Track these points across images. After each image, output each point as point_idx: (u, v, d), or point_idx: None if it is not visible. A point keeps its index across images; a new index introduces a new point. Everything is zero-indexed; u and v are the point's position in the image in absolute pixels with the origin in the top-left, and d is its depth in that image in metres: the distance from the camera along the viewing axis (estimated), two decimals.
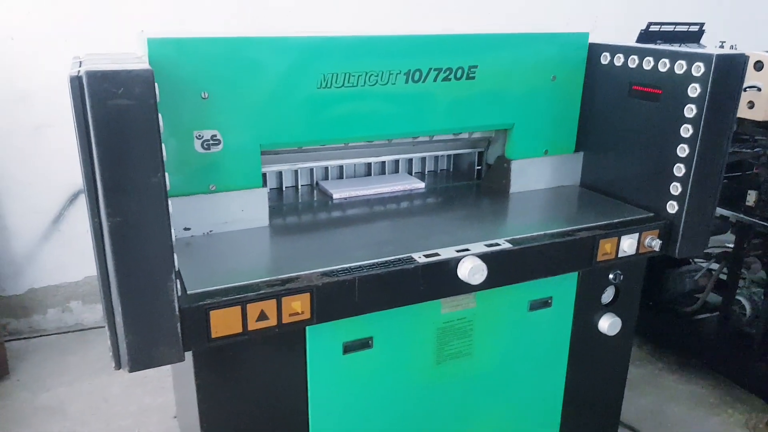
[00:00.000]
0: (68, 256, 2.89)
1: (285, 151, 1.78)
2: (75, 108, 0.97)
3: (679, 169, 1.62)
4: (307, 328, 1.36)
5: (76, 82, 0.96)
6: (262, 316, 1.23)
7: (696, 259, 2.94)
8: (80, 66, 1.07)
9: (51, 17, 2.63)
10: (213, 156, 1.48)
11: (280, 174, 1.91)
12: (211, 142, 1.47)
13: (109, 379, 2.58)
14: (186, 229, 1.49)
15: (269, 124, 1.51)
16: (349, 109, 1.60)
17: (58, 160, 2.73)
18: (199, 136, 1.45)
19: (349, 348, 1.43)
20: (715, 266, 2.76)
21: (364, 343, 1.45)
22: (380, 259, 1.37)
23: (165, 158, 1.07)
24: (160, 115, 1.04)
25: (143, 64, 1.04)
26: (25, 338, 2.86)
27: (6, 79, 2.62)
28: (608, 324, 1.76)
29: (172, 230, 1.11)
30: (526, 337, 1.69)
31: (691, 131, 1.58)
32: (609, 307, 1.79)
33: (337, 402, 1.47)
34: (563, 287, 1.70)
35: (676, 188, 1.64)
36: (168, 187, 1.09)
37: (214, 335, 1.19)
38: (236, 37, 1.43)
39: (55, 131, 2.72)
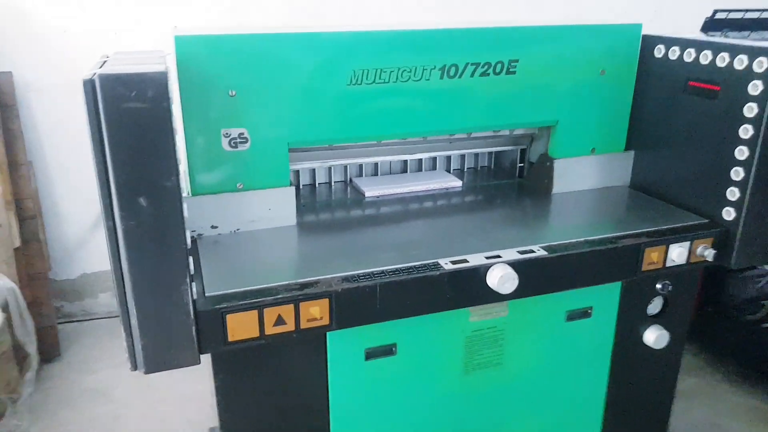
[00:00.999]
0: None
1: (318, 148, 1.75)
2: (88, 111, 0.97)
3: (737, 173, 1.48)
4: (328, 332, 1.33)
5: (89, 86, 0.96)
6: (280, 321, 1.21)
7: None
8: (101, 66, 1.07)
9: (102, 9, 2.69)
10: (240, 154, 1.46)
11: (313, 171, 1.88)
12: (239, 140, 1.46)
13: None
14: (213, 227, 1.49)
15: (297, 122, 1.48)
16: (381, 106, 1.55)
17: None
18: (227, 134, 1.44)
19: (371, 354, 1.40)
20: None
21: (387, 350, 1.41)
22: (404, 265, 1.32)
23: (180, 161, 1.06)
24: (174, 118, 1.03)
25: (158, 66, 1.02)
26: (77, 321, 2.99)
27: (61, 71, 2.71)
28: (655, 337, 1.65)
29: (187, 233, 1.10)
30: (562, 348, 1.60)
31: (751, 132, 1.44)
32: (656, 319, 1.68)
33: (359, 409, 1.44)
34: (605, 297, 1.60)
35: (733, 193, 1.51)
36: (184, 190, 1.08)
37: (230, 339, 1.18)
38: (264, 34, 1.40)
39: None
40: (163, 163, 1.02)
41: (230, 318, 1.16)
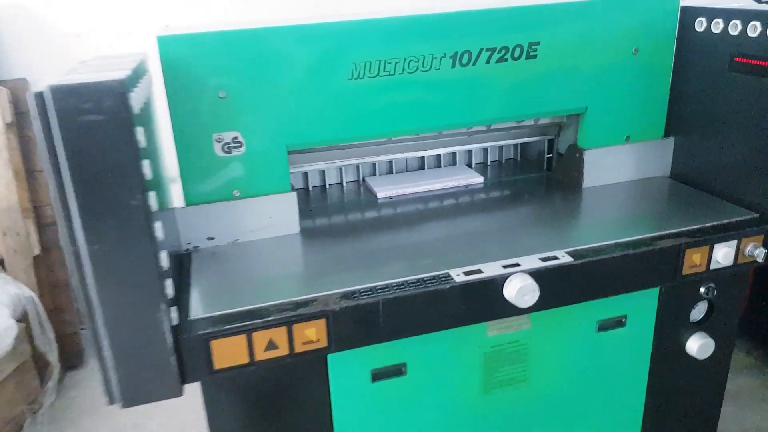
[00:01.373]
0: None
1: (327, 148, 1.63)
2: (42, 127, 0.87)
3: None
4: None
5: (39, 99, 0.86)
6: (271, 346, 1.10)
7: None
8: (69, 72, 0.98)
9: (114, 11, 2.63)
10: (235, 160, 1.36)
11: (322, 172, 1.77)
12: (233, 144, 1.35)
13: None
14: (210, 238, 1.39)
15: (294, 122, 1.37)
16: (386, 101, 1.42)
17: None
18: (219, 139, 1.34)
19: (378, 375, 1.28)
20: None
21: (397, 370, 1.29)
22: (411, 277, 1.19)
23: (149, 176, 0.96)
24: (139, 129, 0.92)
25: (119, 72, 0.92)
26: None
27: None
28: (698, 346, 1.47)
29: (163, 254, 1.00)
30: (594, 361, 1.45)
31: None
32: (700, 326, 1.50)
33: None
34: (641, 304, 1.43)
35: None
36: (155, 207, 0.97)
37: (217, 367, 1.08)
38: (252, 29, 1.29)
39: None
40: (127, 181, 0.92)
41: (215, 344, 1.06)
